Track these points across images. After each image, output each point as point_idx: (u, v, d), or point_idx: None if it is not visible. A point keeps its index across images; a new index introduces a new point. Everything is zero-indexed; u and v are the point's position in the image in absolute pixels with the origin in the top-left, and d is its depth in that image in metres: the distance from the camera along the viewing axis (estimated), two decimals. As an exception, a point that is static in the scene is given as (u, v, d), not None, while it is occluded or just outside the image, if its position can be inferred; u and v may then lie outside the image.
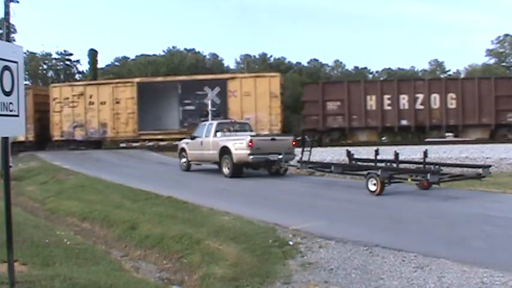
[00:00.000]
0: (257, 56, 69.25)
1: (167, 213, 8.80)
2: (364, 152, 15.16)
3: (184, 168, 16.55)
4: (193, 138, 16.11)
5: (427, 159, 11.54)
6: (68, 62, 63.13)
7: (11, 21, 18.77)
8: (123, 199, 10.85)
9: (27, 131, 26.38)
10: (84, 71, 57.83)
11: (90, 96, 27.28)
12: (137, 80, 28.72)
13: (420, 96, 24.87)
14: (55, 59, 63.27)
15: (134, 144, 28.10)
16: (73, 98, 27.42)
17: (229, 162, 14.00)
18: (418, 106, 24.92)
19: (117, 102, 27.02)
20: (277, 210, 8.76)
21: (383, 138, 30.24)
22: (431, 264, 5.02)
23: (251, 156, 13.53)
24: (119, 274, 5.60)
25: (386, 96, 25.19)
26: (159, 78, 31.40)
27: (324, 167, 12.92)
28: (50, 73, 64.03)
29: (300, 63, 66.49)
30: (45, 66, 64.15)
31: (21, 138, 26.95)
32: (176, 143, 19.69)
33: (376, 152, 12.07)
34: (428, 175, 9.70)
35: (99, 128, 27.28)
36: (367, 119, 25.37)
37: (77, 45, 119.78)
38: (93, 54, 49.96)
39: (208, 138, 15.13)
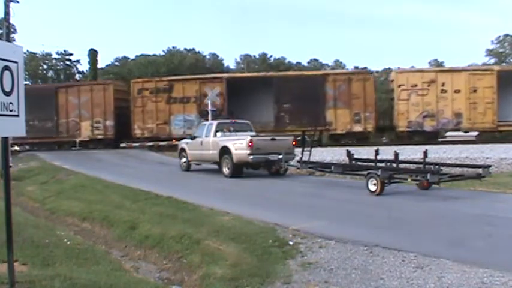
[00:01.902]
0: (257, 56, 69.30)
1: (167, 213, 8.80)
2: (364, 152, 15.16)
3: (184, 168, 16.55)
4: (193, 138, 16.10)
5: (427, 159, 11.53)
6: (68, 62, 63.10)
7: (11, 21, 18.75)
8: (123, 199, 10.85)
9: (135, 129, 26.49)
10: (84, 71, 57.85)
11: (443, 84, 24.84)
12: (497, 68, 26.68)
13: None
14: (55, 59, 63.26)
15: (134, 144, 28.06)
16: (422, 86, 24.96)
17: (229, 162, 14.00)
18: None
19: (474, 91, 24.74)
20: (277, 210, 8.76)
21: (383, 138, 30.22)
22: (431, 264, 5.01)
23: (251, 156, 13.52)
24: (119, 274, 5.60)
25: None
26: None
27: (324, 167, 12.92)
28: (50, 73, 64.02)
29: (300, 63, 66.59)
30: (45, 66, 64.12)
31: (99, 135, 27.13)
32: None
33: (376, 152, 12.07)
34: (428, 175, 9.69)
35: (452, 118, 24.92)
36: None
37: (77, 45, 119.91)
38: (93, 54, 49.96)
39: (208, 138, 15.12)
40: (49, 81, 56.24)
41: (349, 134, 25.46)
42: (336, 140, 25.40)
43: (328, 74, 26.91)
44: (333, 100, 25.37)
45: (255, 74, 31.50)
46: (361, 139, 25.24)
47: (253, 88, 26.57)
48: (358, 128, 25.24)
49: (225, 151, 14.19)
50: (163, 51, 65.29)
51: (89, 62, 51.10)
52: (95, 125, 27.71)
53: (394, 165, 11.77)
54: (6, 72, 3.96)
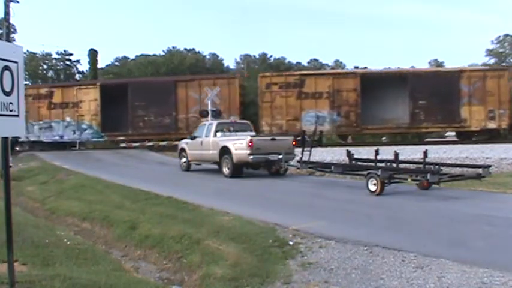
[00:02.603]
0: (257, 56, 69.29)
1: (167, 213, 8.80)
2: (364, 152, 15.16)
3: (184, 168, 16.55)
4: (193, 138, 16.11)
5: (427, 159, 11.54)
6: (68, 62, 63.06)
7: (11, 21, 18.79)
8: (123, 199, 10.85)
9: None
10: (84, 71, 57.82)
11: None
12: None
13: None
14: (55, 59, 63.23)
15: (134, 144, 28.06)
16: None
17: (229, 162, 14.00)
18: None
19: None
20: (277, 210, 8.76)
21: (383, 138, 30.22)
22: (431, 264, 5.01)
23: (251, 156, 13.53)
24: (118, 274, 5.61)
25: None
26: None
27: (324, 167, 12.92)
28: (50, 73, 64.00)
29: (300, 63, 66.54)
30: (45, 66, 64.09)
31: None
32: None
33: (376, 152, 12.07)
34: (428, 175, 9.69)
35: None
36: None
37: (77, 45, 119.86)
38: (93, 54, 49.94)
39: (208, 138, 15.13)
40: (49, 81, 56.11)
41: (483, 131, 25.20)
42: (467, 137, 25.13)
43: (463, 71, 26.42)
44: (467, 97, 25.11)
45: (390, 70, 30.62)
46: (494, 137, 24.92)
47: (387, 84, 26.03)
48: (492, 125, 25.05)
49: (225, 151, 14.19)
50: (163, 51, 65.29)
51: (89, 62, 51.06)
52: None
53: (394, 165, 11.77)
54: (6, 72, 3.96)
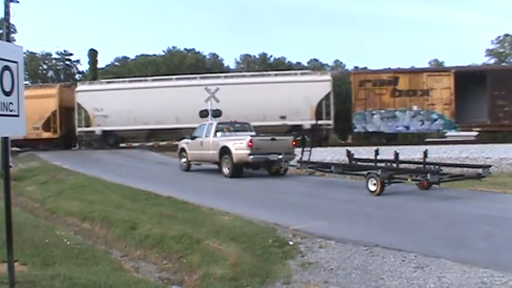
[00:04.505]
0: (257, 56, 69.28)
1: (167, 213, 8.80)
2: (364, 152, 15.16)
3: (184, 168, 16.55)
4: (193, 138, 16.11)
5: (427, 159, 11.54)
6: (68, 62, 63.10)
7: (11, 21, 18.71)
8: (123, 199, 10.85)
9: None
10: (84, 71, 57.84)
11: None
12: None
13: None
14: (55, 59, 63.26)
15: (134, 144, 28.08)
16: None
17: (229, 162, 14.00)
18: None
19: None
20: (277, 210, 8.76)
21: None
22: (431, 264, 5.01)
23: (251, 156, 13.53)
24: (118, 274, 5.60)
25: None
26: None
27: (324, 167, 12.92)
28: (50, 73, 64.01)
29: (300, 63, 66.44)
30: (45, 66, 64.13)
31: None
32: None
33: (376, 152, 12.08)
34: (428, 175, 9.69)
35: None
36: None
37: (77, 45, 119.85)
38: (93, 54, 50.00)
39: (208, 138, 15.13)
40: (49, 81, 56.10)
41: None
42: None
43: None
44: None
45: (487, 66, 30.35)
46: None
47: (484, 82, 25.52)
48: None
49: (225, 151, 14.19)
50: (163, 51, 65.32)
51: (89, 62, 51.15)
52: None
53: (394, 165, 11.77)
54: (6, 72, 3.96)
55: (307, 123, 25.60)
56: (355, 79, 26.75)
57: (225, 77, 28.18)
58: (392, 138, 25.91)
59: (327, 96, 25.86)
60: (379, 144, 21.31)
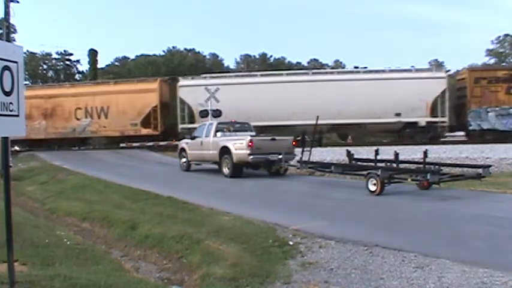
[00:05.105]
0: (257, 56, 69.29)
1: (167, 213, 8.80)
2: (364, 152, 15.16)
3: (184, 168, 16.55)
4: (193, 138, 16.11)
5: (427, 159, 11.53)
6: (68, 62, 63.13)
7: (11, 21, 18.73)
8: (123, 199, 10.85)
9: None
10: (84, 71, 57.87)
11: None
12: None
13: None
14: (55, 59, 63.30)
15: (134, 144, 28.06)
16: None
17: (229, 162, 14.00)
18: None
19: None
20: (277, 210, 8.76)
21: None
22: (431, 264, 5.01)
23: (251, 156, 13.53)
24: (119, 274, 5.60)
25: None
26: None
27: (324, 167, 12.92)
28: (50, 73, 64.03)
29: (300, 63, 66.51)
30: (45, 66, 64.15)
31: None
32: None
33: (376, 152, 12.07)
34: (428, 175, 9.69)
35: None
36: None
37: (77, 45, 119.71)
38: (93, 54, 50.06)
39: (208, 138, 15.13)
40: (49, 81, 56.12)
41: None
42: None
43: None
44: None
45: None
46: None
47: None
48: None
49: (225, 151, 14.19)
50: (163, 51, 65.39)
51: (89, 62, 51.22)
52: None
53: (394, 165, 11.77)
54: (6, 72, 3.96)
55: (422, 121, 25.36)
56: (471, 76, 26.32)
57: (338, 73, 27.79)
58: (507, 136, 25.18)
59: (443, 94, 25.53)
60: (493, 142, 21.28)
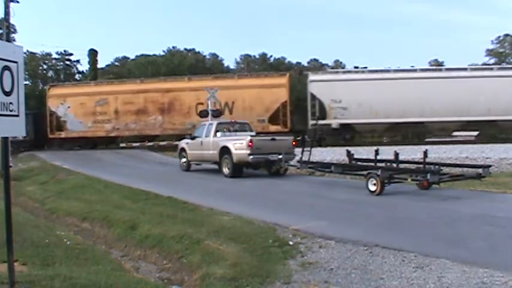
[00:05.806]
0: (257, 56, 69.23)
1: (167, 213, 8.80)
2: (364, 152, 15.16)
3: (184, 168, 16.55)
4: (193, 138, 16.12)
5: (427, 159, 11.53)
6: (68, 62, 63.01)
7: (11, 21, 18.72)
8: (123, 199, 10.85)
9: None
10: (84, 71, 57.82)
11: None
12: None
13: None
14: (55, 59, 63.14)
15: (134, 144, 28.04)
16: None
17: (229, 162, 14.00)
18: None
19: None
20: (277, 210, 8.76)
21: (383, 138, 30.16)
22: (431, 264, 5.01)
23: (251, 156, 13.53)
24: (119, 274, 5.60)
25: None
26: None
27: (324, 167, 12.92)
28: (50, 73, 63.98)
29: (300, 63, 66.38)
30: (45, 66, 64.04)
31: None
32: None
33: (376, 152, 12.07)
34: (428, 175, 9.70)
35: None
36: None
37: (77, 45, 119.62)
38: (93, 54, 50.00)
39: (208, 138, 15.13)
40: (49, 81, 56.14)
41: None
42: None
43: None
44: None
45: None
46: None
47: None
48: None
49: (225, 151, 14.19)
50: (163, 51, 65.23)
51: (89, 62, 51.14)
52: None
53: (394, 165, 11.77)
54: (6, 72, 3.96)
55: None
56: None
57: (471, 69, 26.69)
58: None
59: None
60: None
